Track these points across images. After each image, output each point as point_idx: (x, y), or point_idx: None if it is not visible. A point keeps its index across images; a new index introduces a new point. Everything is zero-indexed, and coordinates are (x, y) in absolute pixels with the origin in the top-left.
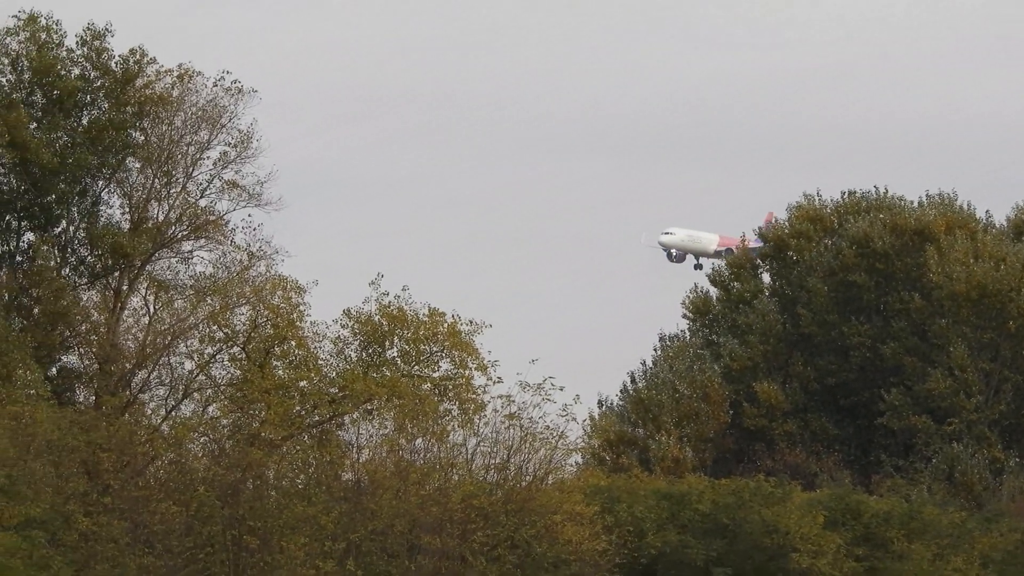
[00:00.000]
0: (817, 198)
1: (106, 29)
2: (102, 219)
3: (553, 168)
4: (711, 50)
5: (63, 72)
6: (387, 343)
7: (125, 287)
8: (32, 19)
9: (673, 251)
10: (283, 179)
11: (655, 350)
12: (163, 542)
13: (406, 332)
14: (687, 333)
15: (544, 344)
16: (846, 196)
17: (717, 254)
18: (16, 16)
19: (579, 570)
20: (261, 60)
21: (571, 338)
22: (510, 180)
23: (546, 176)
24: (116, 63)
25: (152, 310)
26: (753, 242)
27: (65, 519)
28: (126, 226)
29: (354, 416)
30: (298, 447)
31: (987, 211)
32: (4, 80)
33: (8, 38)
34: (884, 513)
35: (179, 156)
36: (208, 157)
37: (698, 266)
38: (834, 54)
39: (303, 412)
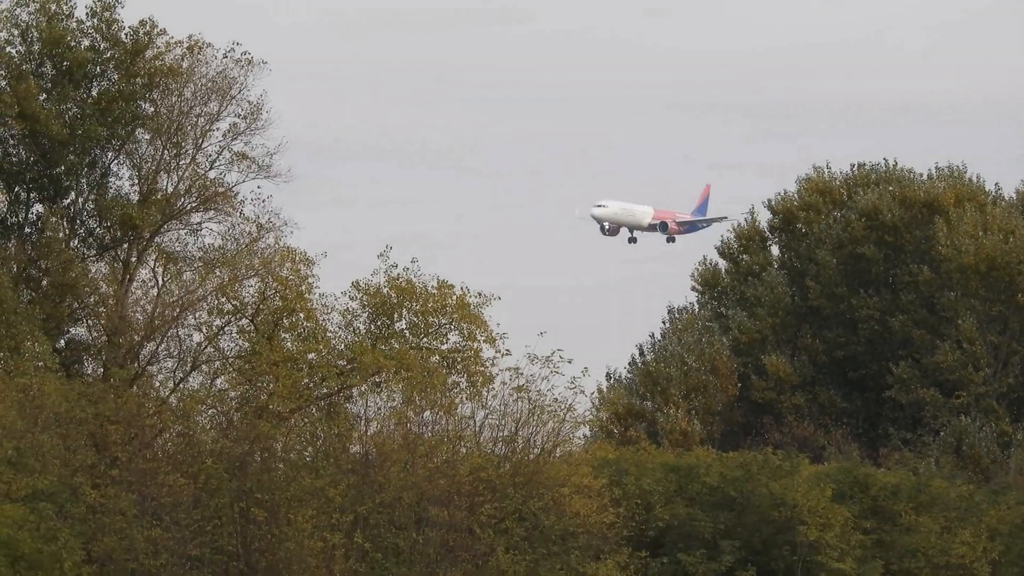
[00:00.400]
0: (827, 170)
1: (116, 0)
2: (111, 191)
3: (562, 138)
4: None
5: (73, 43)
6: (396, 315)
7: (134, 259)
8: None
9: (606, 224)
10: (292, 151)
11: (664, 323)
12: (171, 514)
13: (415, 304)
14: (696, 306)
15: (553, 317)
16: (855, 168)
17: (652, 227)
18: None
19: (587, 542)
20: (270, 29)
21: (580, 311)
22: (519, 150)
23: (555, 146)
24: (126, 34)
25: (161, 282)
26: (692, 214)
27: (73, 491)
28: (135, 198)
29: (362, 388)
30: (306, 420)
31: (996, 184)
32: (14, 51)
33: (18, 9)
34: (892, 486)
35: (188, 128)
36: (217, 128)
37: (632, 239)
38: (842, 28)
39: (311, 384)
